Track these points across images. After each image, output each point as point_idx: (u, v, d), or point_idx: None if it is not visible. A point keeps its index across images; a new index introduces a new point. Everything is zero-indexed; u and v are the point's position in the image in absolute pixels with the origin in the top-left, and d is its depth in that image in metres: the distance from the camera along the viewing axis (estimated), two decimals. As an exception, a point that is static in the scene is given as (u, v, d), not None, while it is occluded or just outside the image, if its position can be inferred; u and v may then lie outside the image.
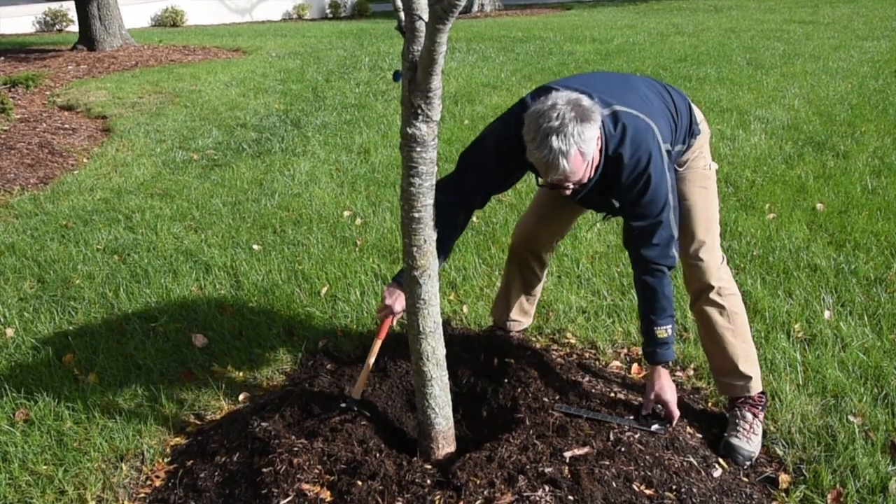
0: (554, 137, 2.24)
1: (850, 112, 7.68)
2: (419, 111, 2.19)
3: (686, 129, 2.75)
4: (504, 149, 2.56)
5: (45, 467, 2.88)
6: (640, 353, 3.52)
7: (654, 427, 2.76)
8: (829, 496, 2.61)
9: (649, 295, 2.67)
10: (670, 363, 2.79)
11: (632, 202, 2.56)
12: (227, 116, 8.38)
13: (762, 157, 6.26)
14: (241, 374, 3.48)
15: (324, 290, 4.18)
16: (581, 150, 2.29)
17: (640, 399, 3.00)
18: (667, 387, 2.76)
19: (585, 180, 2.42)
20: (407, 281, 2.46)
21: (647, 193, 2.51)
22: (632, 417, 2.80)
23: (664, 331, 2.68)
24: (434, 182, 2.35)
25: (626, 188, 2.52)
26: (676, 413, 2.77)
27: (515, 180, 2.78)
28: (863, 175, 5.70)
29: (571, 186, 2.44)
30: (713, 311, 2.85)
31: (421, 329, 2.48)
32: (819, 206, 5.13)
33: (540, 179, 2.51)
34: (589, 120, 2.29)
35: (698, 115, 2.86)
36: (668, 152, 2.55)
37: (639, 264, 2.65)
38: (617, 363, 3.45)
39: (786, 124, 7.28)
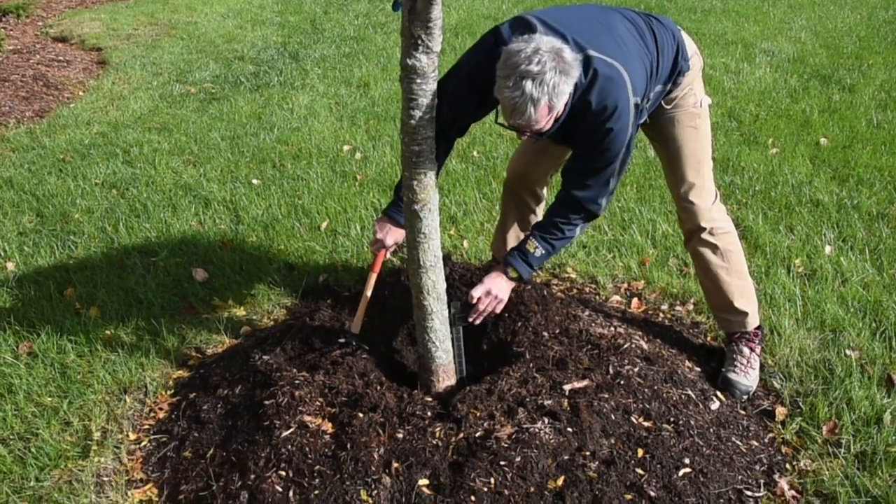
0: (529, 82, 2.16)
1: (858, 44, 7.53)
2: (419, 42, 2.14)
3: (669, 68, 2.65)
4: (477, 79, 2.48)
5: (49, 399, 2.91)
6: (641, 287, 3.53)
7: (458, 320, 2.71)
8: (824, 428, 2.64)
9: (549, 226, 2.62)
10: (514, 276, 2.66)
11: (586, 144, 2.51)
12: (224, 49, 8.23)
13: (766, 91, 6.17)
14: (241, 308, 3.49)
15: (324, 225, 4.17)
16: (551, 103, 2.22)
17: (640, 333, 3.02)
18: (500, 287, 2.67)
19: (545, 130, 2.36)
20: (407, 215, 2.44)
21: (603, 141, 2.43)
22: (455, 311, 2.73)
23: (536, 247, 2.62)
24: (435, 115, 2.31)
25: (585, 134, 2.46)
26: (476, 318, 2.70)
27: (489, 110, 2.67)
28: (868, 109, 5.63)
29: (528, 133, 2.38)
30: (706, 251, 2.84)
31: (421, 263, 2.47)
32: (823, 140, 5.08)
33: (500, 118, 2.43)
34: (567, 74, 2.21)
35: (689, 47, 2.74)
36: (637, 105, 2.44)
37: (563, 199, 2.61)
38: (617, 297, 3.46)
39: (791, 57, 7.15)
